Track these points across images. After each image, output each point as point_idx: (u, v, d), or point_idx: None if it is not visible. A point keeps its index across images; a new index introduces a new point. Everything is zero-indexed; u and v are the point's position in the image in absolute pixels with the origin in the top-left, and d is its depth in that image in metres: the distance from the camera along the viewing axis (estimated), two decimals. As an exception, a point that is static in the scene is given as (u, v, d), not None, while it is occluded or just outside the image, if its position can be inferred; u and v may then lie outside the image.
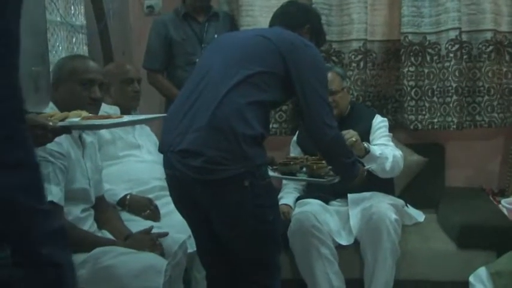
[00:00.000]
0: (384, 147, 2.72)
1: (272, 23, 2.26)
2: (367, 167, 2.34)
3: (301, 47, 2.03)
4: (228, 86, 1.90)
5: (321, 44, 2.39)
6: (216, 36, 3.19)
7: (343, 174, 2.25)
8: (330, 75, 2.75)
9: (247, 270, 2.04)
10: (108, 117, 1.83)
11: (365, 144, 2.60)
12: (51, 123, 1.63)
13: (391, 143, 2.84)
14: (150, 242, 2.16)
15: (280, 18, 2.25)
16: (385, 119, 2.99)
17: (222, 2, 3.41)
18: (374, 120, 2.91)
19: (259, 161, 1.90)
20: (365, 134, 2.80)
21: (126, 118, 1.91)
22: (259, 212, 1.92)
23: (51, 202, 1.98)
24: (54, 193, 1.98)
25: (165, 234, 2.23)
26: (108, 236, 2.22)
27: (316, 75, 2.03)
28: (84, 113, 1.77)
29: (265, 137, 1.94)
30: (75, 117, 1.73)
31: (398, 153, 2.75)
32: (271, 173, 2.35)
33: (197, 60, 3.17)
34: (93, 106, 2.14)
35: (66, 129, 1.71)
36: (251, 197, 1.88)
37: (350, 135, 2.48)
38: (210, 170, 1.84)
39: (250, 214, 1.91)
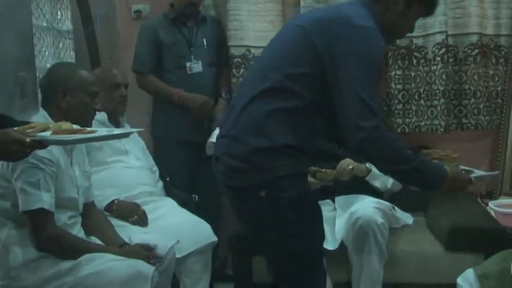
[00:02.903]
0: None
1: None
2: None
3: (344, 34, 1.74)
4: (254, 93, 1.80)
5: (434, 5, 1.92)
6: (204, 40, 3.19)
7: (405, 183, 2.02)
8: None
9: (282, 283, 1.94)
10: (80, 131, 1.73)
11: (367, 165, 2.68)
12: (28, 139, 1.55)
13: None
14: (147, 258, 2.14)
15: None
16: None
17: (207, 7, 3.40)
18: None
19: (281, 172, 1.76)
20: None
21: (95, 134, 1.77)
22: (281, 225, 1.78)
23: (42, 209, 1.98)
24: (44, 200, 1.99)
25: (161, 259, 2.22)
26: (97, 242, 2.21)
27: (357, 66, 1.72)
28: (66, 125, 1.71)
29: (296, 146, 1.76)
30: (51, 130, 1.65)
31: None
32: None
33: (187, 63, 3.19)
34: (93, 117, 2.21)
35: (41, 145, 1.62)
36: (269, 208, 1.78)
37: (346, 164, 2.59)
38: (230, 176, 1.83)
39: (270, 226, 1.81)
